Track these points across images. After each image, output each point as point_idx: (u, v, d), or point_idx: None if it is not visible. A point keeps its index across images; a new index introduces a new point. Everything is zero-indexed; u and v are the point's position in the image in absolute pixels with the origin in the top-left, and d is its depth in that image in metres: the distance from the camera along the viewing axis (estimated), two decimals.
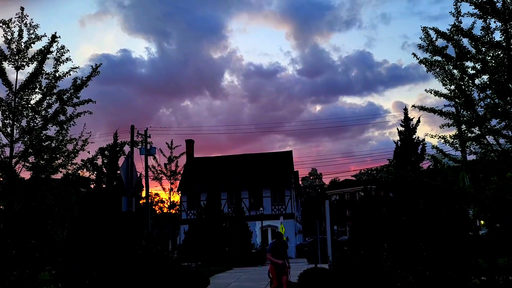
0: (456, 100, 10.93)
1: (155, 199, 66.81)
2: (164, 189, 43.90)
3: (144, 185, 34.43)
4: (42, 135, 11.54)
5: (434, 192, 11.87)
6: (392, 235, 11.82)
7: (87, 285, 9.94)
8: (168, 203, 48.53)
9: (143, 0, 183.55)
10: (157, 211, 64.93)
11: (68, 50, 12.01)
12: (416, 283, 10.05)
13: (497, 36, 10.07)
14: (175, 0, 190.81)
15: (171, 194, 44.58)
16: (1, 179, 11.73)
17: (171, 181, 43.27)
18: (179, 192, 49.63)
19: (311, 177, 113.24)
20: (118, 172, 13.38)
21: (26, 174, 11.88)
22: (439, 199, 11.65)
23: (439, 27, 10.81)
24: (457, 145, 11.26)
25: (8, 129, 11.37)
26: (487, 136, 10.56)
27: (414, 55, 11.44)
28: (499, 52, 9.98)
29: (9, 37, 11.61)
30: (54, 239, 11.99)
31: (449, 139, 11.18)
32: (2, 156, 11.36)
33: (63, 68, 11.99)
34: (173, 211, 53.30)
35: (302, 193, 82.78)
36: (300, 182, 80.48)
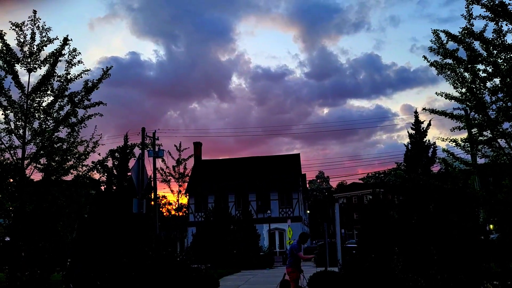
0: (468, 103, 10.87)
1: (163, 201, 67.06)
2: (172, 191, 44.08)
3: (152, 187, 34.56)
4: (53, 137, 11.65)
5: (444, 195, 11.80)
6: (402, 239, 11.75)
7: (98, 286, 10.00)
8: (176, 205, 48.69)
9: (152, 3, 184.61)
10: (165, 214, 65.15)
11: (79, 52, 12.11)
12: (428, 287, 9.99)
13: (509, 39, 10.05)
14: (184, 3, 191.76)
15: (179, 196, 44.73)
16: (12, 180, 11.85)
17: (179, 183, 43.46)
18: (187, 194, 49.74)
19: (318, 180, 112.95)
20: (129, 174, 13.46)
21: (37, 176, 11.99)
22: (449, 203, 11.57)
23: (448, 30, 10.77)
24: (468, 149, 11.19)
25: (20, 131, 11.49)
26: (499, 140, 10.50)
27: (425, 57, 11.40)
28: (511, 55, 9.93)
29: (21, 40, 11.74)
30: (64, 240, 12.06)
31: (460, 142, 11.11)
32: (14, 158, 11.48)
33: (74, 71, 12.09)
34: (181, 214, 53.41)
35: (309, 196, 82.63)
36: (308, 185, 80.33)
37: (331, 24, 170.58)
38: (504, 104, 10.19)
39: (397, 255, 10.95)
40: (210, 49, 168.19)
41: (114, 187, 13.27)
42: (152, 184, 34.05)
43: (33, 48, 11.83)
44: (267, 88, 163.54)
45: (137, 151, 16.83)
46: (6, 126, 11.45)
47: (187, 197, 50.38)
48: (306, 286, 12.05)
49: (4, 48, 11.52)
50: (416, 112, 13.63)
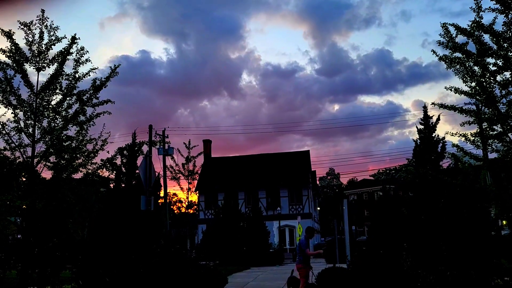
0: (477, 97, 10.75)
1: (173, 199, 67.36)
2: (182, 189, 44.17)
3: (162, 185, 34.67)
4: (62, 135, 11.74)
5: (454, 191, 11.67)
6: (411, 235, 11.66)
7: (107, 282, 10.06)
8: (186, 203, 48.84)
9: (162, 2, 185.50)
10: (175, 211, 65.47)
11: (87, 51, 12.17)
12: (437, 283, 9.90)
13: None
14: (193, 1, 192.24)
15: (189, 194, 44.83)
16: (24, 179, 11.97)
17: (189, 181, 43.51)
18: (197, 192, 49.87)
19: (329, 177, 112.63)
20: (137, 171, 13.52)
21: (47, 174, 12.10)
22: (459, 198, 11.44)
23: (460, 24, 10.64)
24: (479, 143, 11.07)
25: (30, 130, 11.60)
26: (509, 134, 10.36)
27: (434, 52, 11.27)
28: None
29: (30, 39, 11.84)
30: (75, 237, 12.16)
31: (470, 137, 10.99)
32: (24, 156, 11.59)
33: (82, 69, 12.16)
34: (191, 211, 53.60)
35: (320, 193, 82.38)
36: (318, 182, 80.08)
37: (342, 20, 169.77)
38: None
39: (406, 251, 10.86)
40: (220, 47, 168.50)
41: (123, 185, 13.35)
42: (162, 182, 34.16)
43: (42, 47, 11.93)
44: (277, 85, 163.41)
45: (145, 148, 16.93)
46: (16, 125, 11.56)
47: (197, 194, 50.53)
48: (315, 282, 12.02)
49: (13, 47, 11.63)
50: (425, 107, 13.49)
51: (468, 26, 10.40)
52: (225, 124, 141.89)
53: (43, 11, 11.97)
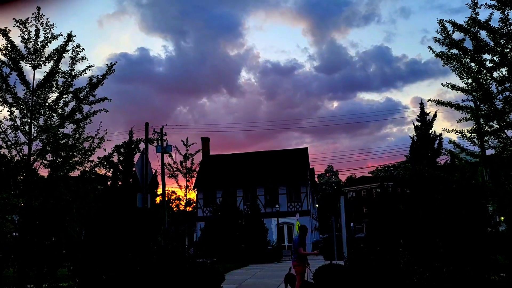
0: (474, 93, 10.75)
1: (172, 197, 67.37)
2: (180, 186, 44.22)
3: (160, 182, 34.66)
4: (59, 133, 11.70)
5: (451, 187, 11.69)
6: (408, 232, 11.68)
7: (104, 280, 10.07)
8: (185, 201, 48.89)
9: None
10: (174, 209, 65.50)
11: (83, 48, 12.12)
12: (433, 279, 9.92)
13: None
14: None
15: (187, 191, 44.89)
16: (21, 177, 11.95)
17: (187, 178, 43.60)
18: (195, 189, 49.93)
19: (327, 174, 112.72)
20: (134, 169, 13.51)
21: (44, 172, 12.08)
22: (456, 195, 11.46)
23: (460, 21, 10.63)
24: (475, 140, 11.08)
25: (26, 127, 11.57)
26: (506, 130, 10.37)
27: (430, 48, 11.27)
28: None
29: (26, 37, 11.79)
30: (72, 236, 12.15)
31: (466, 133, 10.99)
32: (20, 154, 11.57)
33: (79, 67, 12.12)
34: (190, 209, 53.66)
35: (318, 190, 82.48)
36: (316, 179, 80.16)
37: (341, 17, 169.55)
38: (511, 94, 10.06)
39: (402, 247, 10.88)
40: (219, 44, 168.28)
41: (120, 183, 13.34)
42: (160, 179, 34.13)
43: (38, 45, 11.87)
44: (276, 83, 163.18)
45: (142, 146, 16.91)
46: (12, 123, 11.53)
47: (196, 192, 50.57)
48: (311, 279, 12.05)
49: (9, 45, 11.58)
50: (421, 103, 13.49)
51: (465, 22, 10.40)
52: (224, 121, 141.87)
53: (38, 8, 11.91)
